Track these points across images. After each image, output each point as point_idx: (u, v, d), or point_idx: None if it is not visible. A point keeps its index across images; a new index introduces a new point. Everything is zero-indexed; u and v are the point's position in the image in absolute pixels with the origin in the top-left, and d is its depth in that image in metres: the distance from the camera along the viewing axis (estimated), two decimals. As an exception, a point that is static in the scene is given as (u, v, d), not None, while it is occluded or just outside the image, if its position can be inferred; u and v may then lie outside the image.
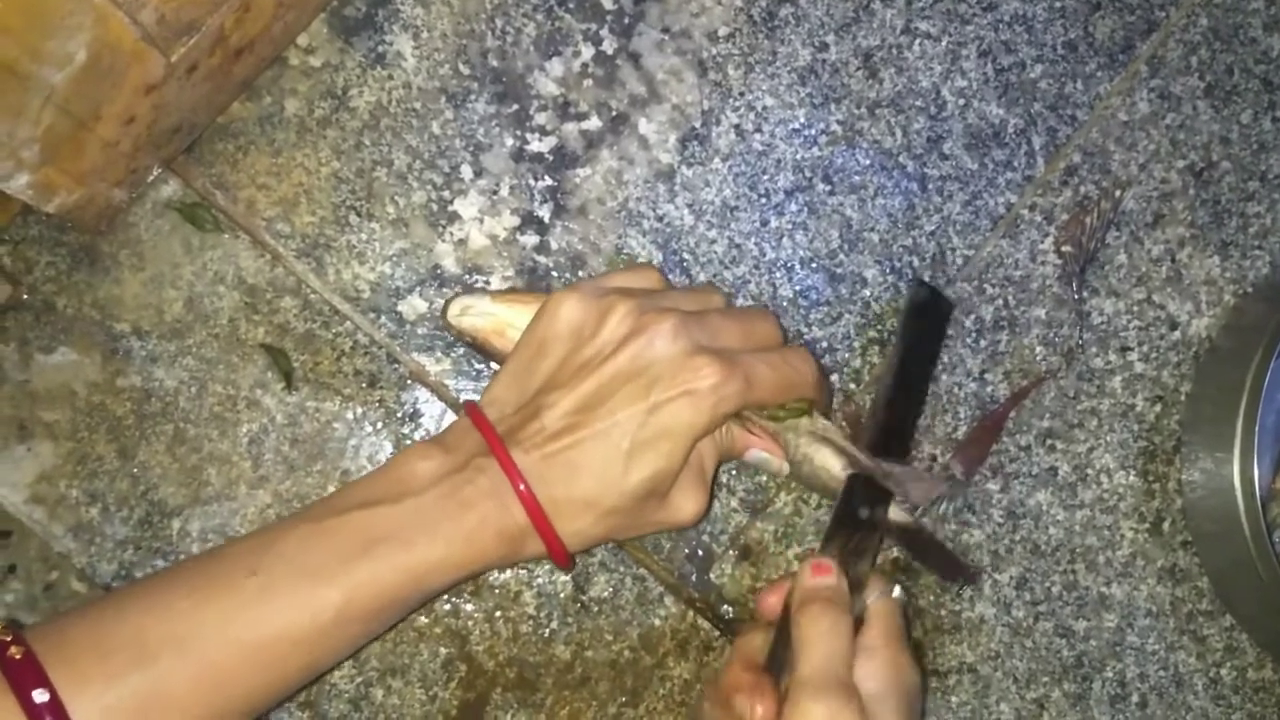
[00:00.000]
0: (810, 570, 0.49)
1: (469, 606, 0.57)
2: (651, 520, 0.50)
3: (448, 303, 0.54)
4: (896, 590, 0.51)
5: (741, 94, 0.59)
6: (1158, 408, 0.61)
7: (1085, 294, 0.61)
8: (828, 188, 0.60)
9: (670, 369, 0.47)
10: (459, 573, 0.47)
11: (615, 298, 0.49)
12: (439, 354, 0.57)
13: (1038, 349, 0.60)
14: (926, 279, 0.59)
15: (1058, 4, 0.61)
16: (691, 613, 0.58)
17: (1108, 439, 0.61)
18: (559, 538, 0.48)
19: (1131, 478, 0.61)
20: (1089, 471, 0.61)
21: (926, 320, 0.58)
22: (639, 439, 0.47)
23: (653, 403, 0.47)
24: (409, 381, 0.57)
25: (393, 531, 0.46)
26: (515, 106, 0.58)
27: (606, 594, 0.57)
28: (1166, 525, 0.61)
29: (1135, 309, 0.61)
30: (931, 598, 0.60)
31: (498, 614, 0.57)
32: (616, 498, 0.47)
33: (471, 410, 0.50)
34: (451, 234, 0.58)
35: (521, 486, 0.46)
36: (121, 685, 0.42)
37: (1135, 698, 0.61)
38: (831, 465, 0.53)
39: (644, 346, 0.48)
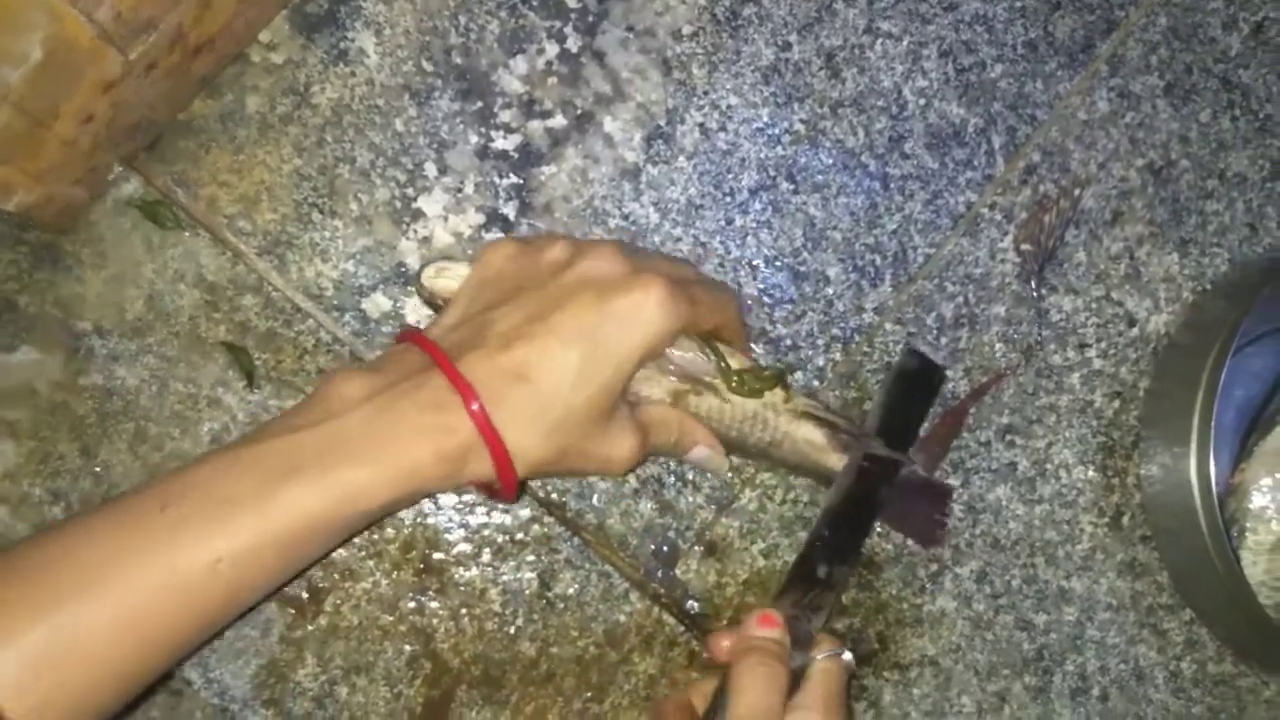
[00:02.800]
0: (756, 621, 0.49)
1: (434, 604, 0.57)
2: (591, 451, 0.49)
3: (423, 266, 0.54)
4: (847, 655, 0.51)
5: (706, 93, 0.60)
6: (1116, 403, 0.62)
7: (1044, 291, 0.61)
8: (791, 186, 0.60)
9: (617, 283, 0.47)
10: (392, 494, 0.45)
11: (548, 236, 0.51)
12: (403, 352, 0.57)
13: (997, 346, 0.61)
14: (918, 348, 0.60)
15: (1018, 4, 0.62)
16: (657, 609, 0.58)
17: (1066, 434, 0.61)
18: (507, 451, 0.46)
19: (1090, 473, 0.62)
20: (1048, 467, 0.61)
21: (914, 386, 0.58)
22: (588, 349, 0.46)
23: (603, 312, 0.47)
24: (373, 379, 0.57)
25: (314, 455, 0.44)
26: (479, 104, 0.58)
27: (572, 591, 0.58)
28: (1126, 520, 0.62)
29: (1094, 306, 0.62)
30: (893, 591, 0.60)
31: (463, 611, 0.57)
32: (565, 409, 0.46)
33: (408, 334, 0.48)
34: (415, 231, 0.58)
35: (474, 405, 0.45)
36: (32, 634, 0.40)
37: (1096, 691, 0.61)
38: (814, 438, 0.54)
39: (591, 265, 0.48)
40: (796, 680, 0.49)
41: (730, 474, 0.59)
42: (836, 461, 0.55)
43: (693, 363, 0.52)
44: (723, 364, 0.52)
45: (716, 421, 0.53)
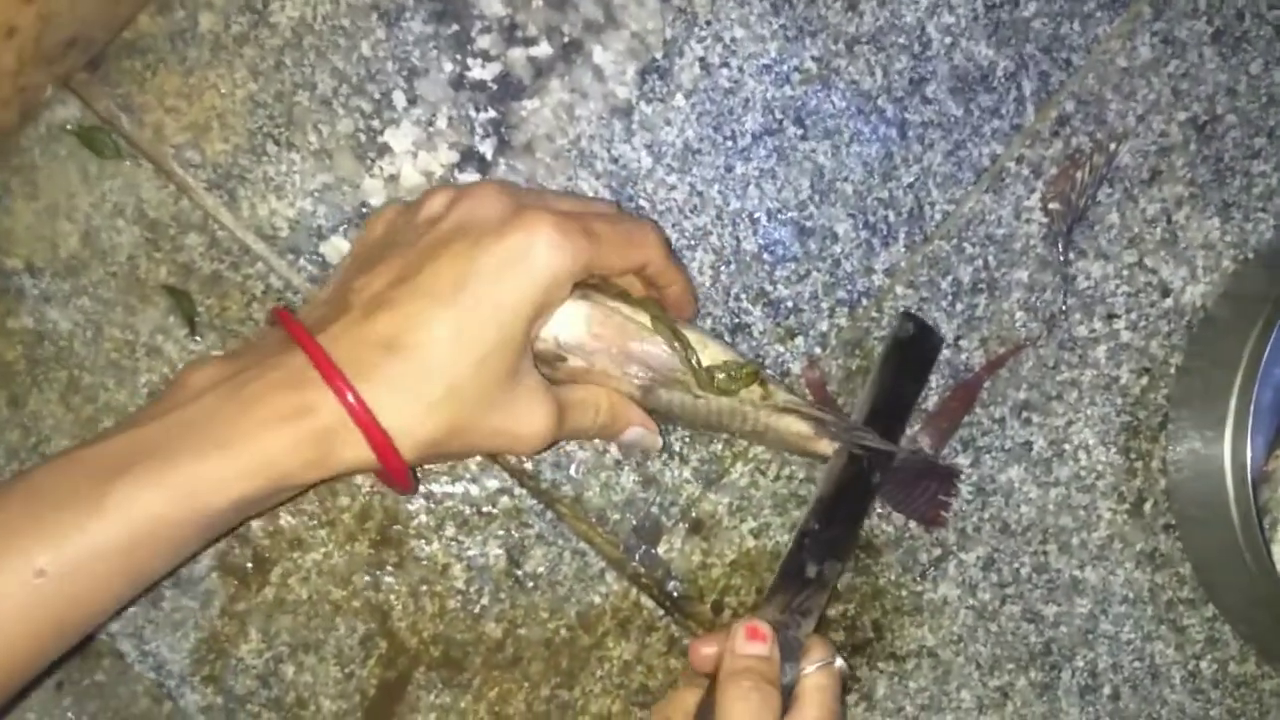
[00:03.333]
0: (743, 634, 0.45)
1: (390, 579, 0.52)
2: (493, 425, 0.43)
3: None
4: (839, 661, 0.46)
5: (708, 23, 0.54)
6: (1144, 380, 0.57)
7: (1072, 255, 0.56)
8: (799, 131, 0.54)
9: (494, 227, 0.42)
10: (247, 488, 0.40)
11: (433, 189, 0.45)
12: (365, 301, 0.52)
13: (1018, 314, 0.56)
14: (914, 311, 0.55)
15: (1058, -65, 0.56)
16: (635, 590, 0.54)
17: (1088, 413, 0.56)
18: (386, 433, 0.40)
19: (1112, 455, 0.57)
20: (1066, 447, 0.56)
21: (910, 358, 0.53)
22: (466, 306, 0.41)
23: (478, 261, 0.41)
24: (331, 331, 0.52)
25: (151, 449, 0.39)
26: (455, 27, 0.52)
27: (543, 569, 0.53)
28: (1148, 507, 0.57)
29: (1125, 273, 0.57)
30: (892, 576, 0.55)
31: (423, 588, 0.52)
32: (449, 379, 0.41)
33: (275, 309, 0.44)
34: (381, 168, 0.52)
35: (337, 380, 0.40)
36: None
37: (1107, 689, 0.57)
38: (799, 429, 0.49)
39: (466, 210, 0.43)
40: (786, 695, 0.44)
41: (719, 445, 0.54)
42: (827, 447, 0.50)
43: (656, 356, 0.46)
44: (693, 360, 0.46)
45: (690, 415, 0.49)
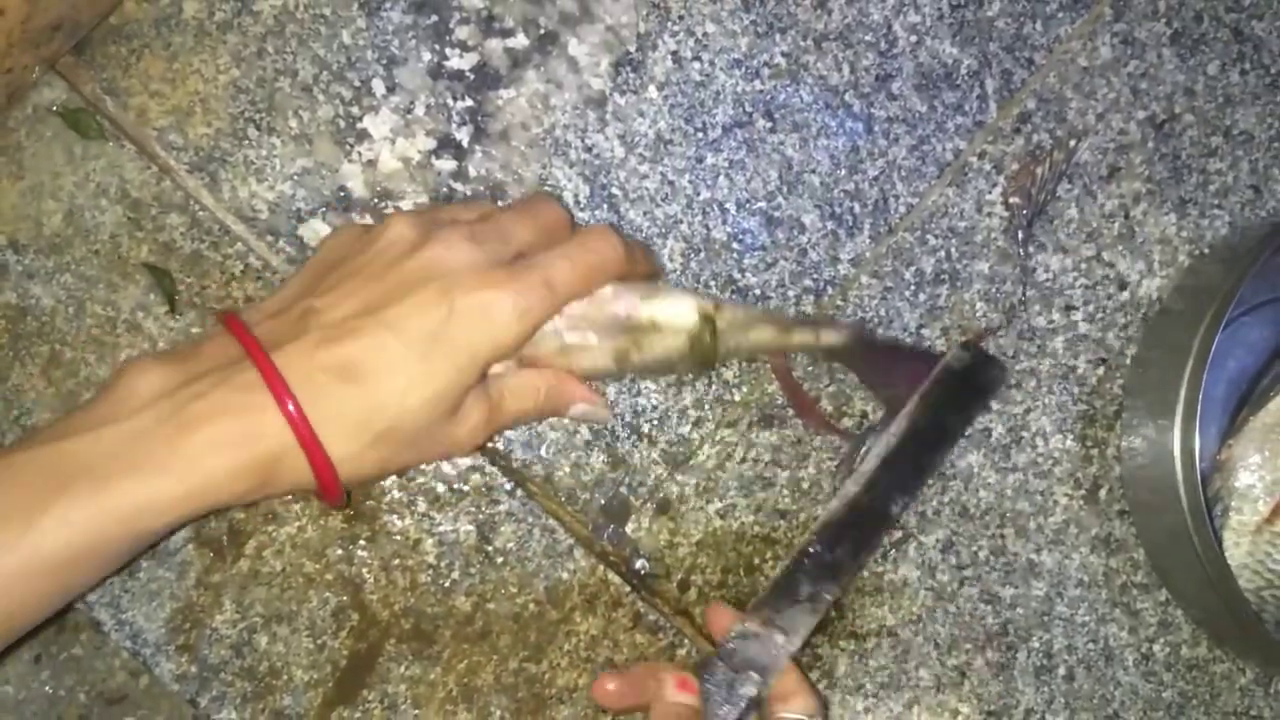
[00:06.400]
0: (673, 684, 0.47)
1: (363, 553, 0.53)
2: (428, 451, 0.45)
3: None
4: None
5: (681, 18, 0.55)
6: (1100, 370, 0.59)
7: (1031, 249, 0.58)
8: (768, 124, 0.56)
9: (468, 280, 0.43)
10: (183, 511, 0.40)
11: (394, 214, 0.46)
12: (342, 283, 0.53)
13: (978, 305, 0.57)
14: (971, 342, 0.55)
15: (1021, -63, 0.57)
16: (602, 567, 0.55)
17: (1046, 401, 0.58)
18: (330, 462, 0.41)
19: (1069, 442, 0.58)
20: (1024, 434, 0.58)
21: (959, 390, 0.53)
22: (428, 349, 0.42)
23: (449, 309, 0.42)
24: (309, 311, 0.53)
25: (89, 465, 0.38)
26: (434, 18, 0.54)
27: (512, 545, 0.54)
28: (1103, 493, 0.59)
29: (1083, 266, 0.58)
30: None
31: (395, 562, 0.53)
32: (396, 415, 0.42)
33: (225, 316, 0.43)
34: (360, 154, 0.53)
35: (289, 405, 0.40)
36: None
37: (1062, 670, 0.58)
38: (767, 335, 0.53)
39: (439, 254, 0.43)
40: (754, 708, 0.45)
41: (688, 427, 0.55)
42: (800, 336, 0.53)
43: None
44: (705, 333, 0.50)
45: (666, 366, 0.51)
